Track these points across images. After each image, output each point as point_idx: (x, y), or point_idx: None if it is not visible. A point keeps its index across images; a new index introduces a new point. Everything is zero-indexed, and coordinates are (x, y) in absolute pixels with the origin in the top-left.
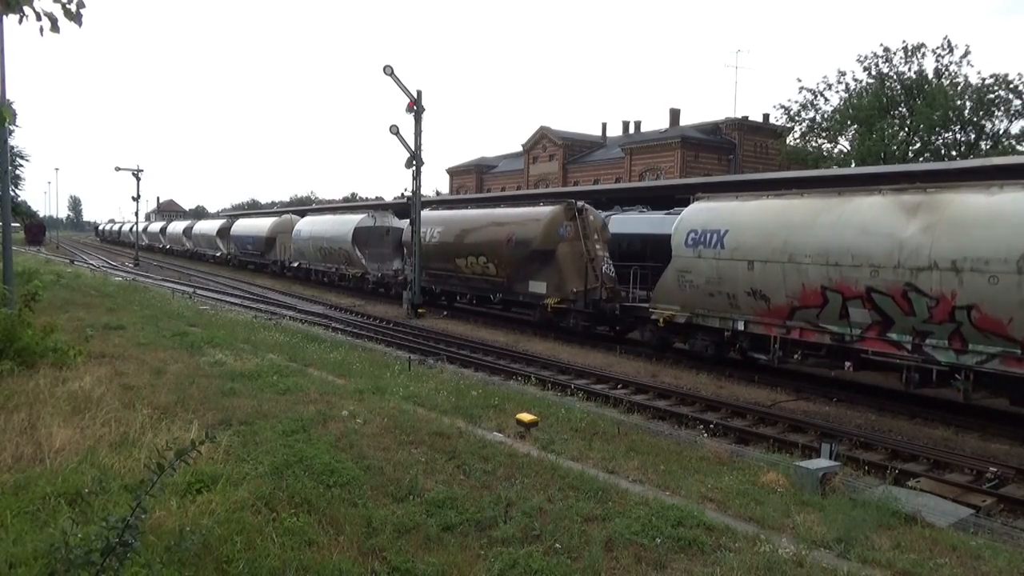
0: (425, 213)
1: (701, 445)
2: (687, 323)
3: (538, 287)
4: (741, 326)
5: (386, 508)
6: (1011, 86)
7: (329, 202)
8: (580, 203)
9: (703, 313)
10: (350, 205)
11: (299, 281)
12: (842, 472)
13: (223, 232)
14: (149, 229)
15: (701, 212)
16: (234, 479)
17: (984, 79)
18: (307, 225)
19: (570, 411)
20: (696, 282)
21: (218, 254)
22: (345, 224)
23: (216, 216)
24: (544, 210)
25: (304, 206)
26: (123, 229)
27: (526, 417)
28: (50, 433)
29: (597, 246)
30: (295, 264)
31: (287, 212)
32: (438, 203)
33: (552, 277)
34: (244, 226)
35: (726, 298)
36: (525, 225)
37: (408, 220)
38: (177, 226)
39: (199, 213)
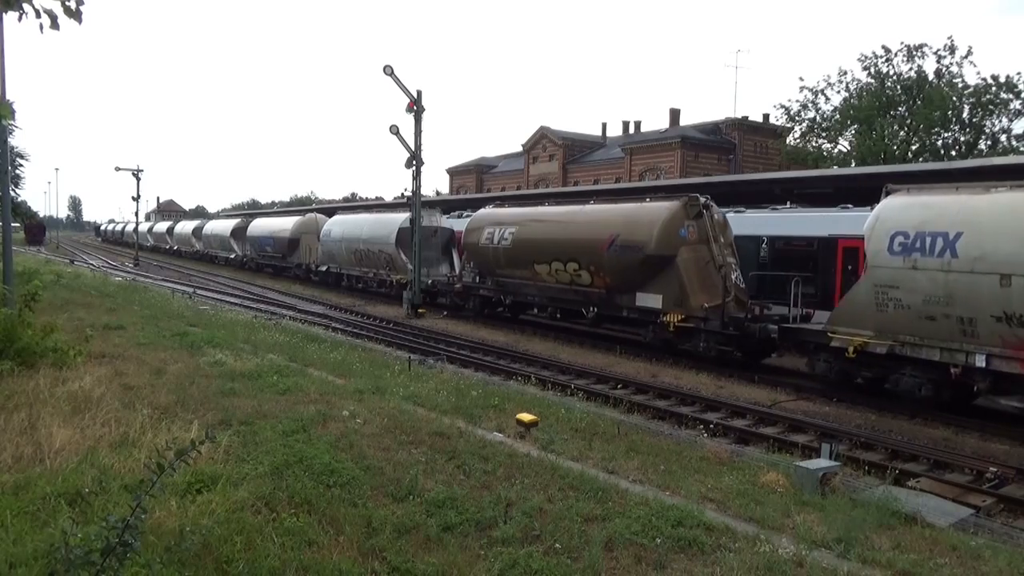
0: (488, 211)
1: (701, 445)
2: (888, 354)
3: (650, 300)
4: (981, 361)
5: (386, 508)
6: (1013, 88)
7: (355, 199)
8: (704, 198)
9: (915, 342)
10: (389, 203)
11: (328, 287)
12: (842, 472)
13: (238, 232)
14: (155, 229)
15: (912, 209)
16: (234, 479)
17: (984, 79)
18: (338, 225)
19: (570, 411)
20: (907, 301)
21: (232, 256)
22: (387, 224)
23: (228, 215)
24: (659, 207)
25: (329, 204)
26: (126, 229)
27: (526, 417)
28: (50, 433)
29: (726, 251)
30: (323, 268)
31: (311, 210)
32: (508, 199)
33: (670, 288)
34: (262, 226)
35: (957, 323)
36: (635, 225)
37: (463, 217)
38: (186, 226)
39: (199, 213)
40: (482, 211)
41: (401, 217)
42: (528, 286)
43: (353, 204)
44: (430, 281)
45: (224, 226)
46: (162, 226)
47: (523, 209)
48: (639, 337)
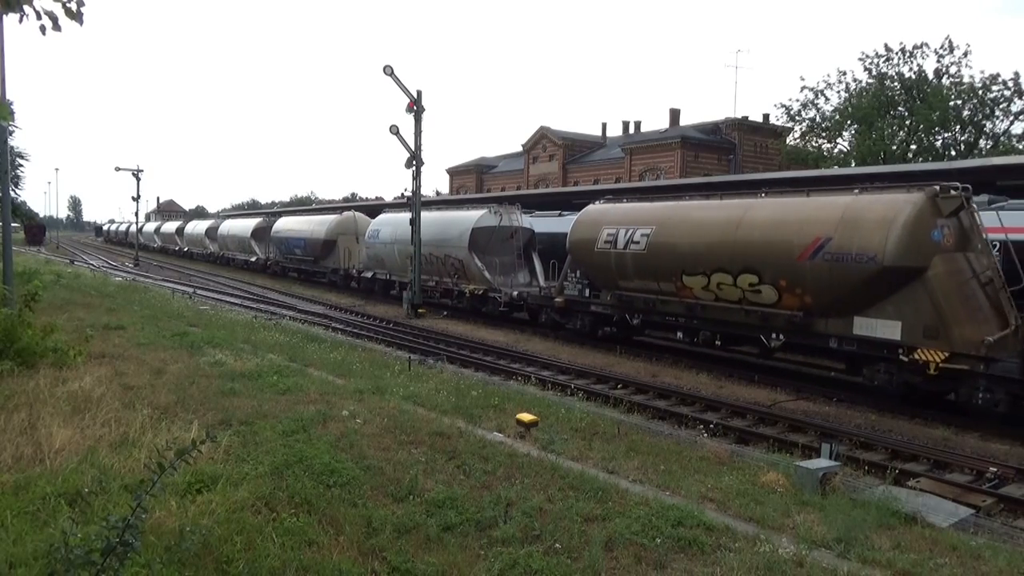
0: (605, 207)
1: (701, 445)
2: None
3: (881, 329)
4: None
5: (386, 508)
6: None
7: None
8: (961, 188)
9: None
10: (458, 198)
11: (373, 296)
12: (842, 472)
13: (260, 233)
14: (163, 229)
15: None
16: (234, 479)
17: (984, 79)
18: (387, 225)
19: (570, 411)
20: None
21: (253, 259)
22: (456, 223)
23: (246, 214)
24: (894, 200)
25: (371, 202)
26: (130, 230)
27: (526, 417)
28: (50, 433)
29: (983, 258)
30: (368, 274)
31: (348, 208)
32: (625, 192)
33: (915, 313)
34: (290, 226)
35: None
36: (856, 225)
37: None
38: (198, 226)
39: (199, 213)
40: (595, 207)
41: (474, 216)
42: (670, 303)
43: (399, 202)
44: (515, 293)
45: (243, 226)
46: (171, 226)
47: (662, 204)
48: (857, 379)
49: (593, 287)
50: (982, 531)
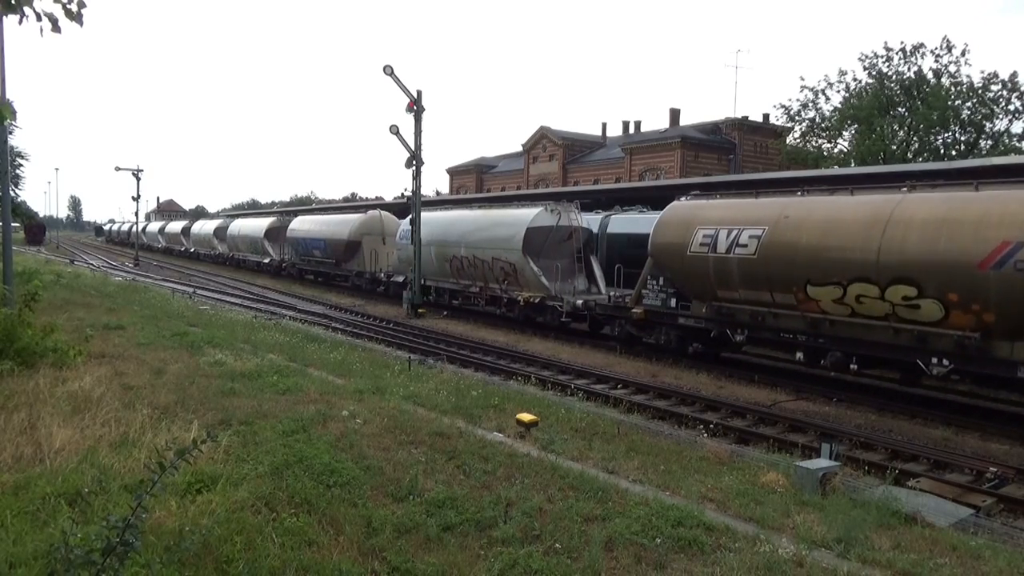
0: (697, 203)
1: (701, 445)
2: None
3: None
4: None
5: (386, 508)
6: (1013, 87)
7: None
8: None
9: None
10: (506, 195)
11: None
12: (842, 472)
13: (273, 233)
14: (167, 229)
15: None
16: (234, 479)
17: (984, 79)
18: (424, 225)
19: (570, 411)
20: None
21: (266, 261)
22: (508, 223)
23: (260, 212)
24: None
25: (400, 200)
26: (133, 229)
27: (526, 417)
28: (50, 433)
29: None
30: (398, 278)
31: (373, 206)
32: (717, 187)
33: None
34: (308, 225)
35: None
36: None
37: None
38: (205, 226)
39: (199, 213)
40: (684, 204)
41: (528, 214)
42: (787, 318)
43: (441, 199)
44: (579, 302)
45: (256, 226)
46: (176, 226)
47: (775, 200)
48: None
49: (681, 297)
50: (982, 531)
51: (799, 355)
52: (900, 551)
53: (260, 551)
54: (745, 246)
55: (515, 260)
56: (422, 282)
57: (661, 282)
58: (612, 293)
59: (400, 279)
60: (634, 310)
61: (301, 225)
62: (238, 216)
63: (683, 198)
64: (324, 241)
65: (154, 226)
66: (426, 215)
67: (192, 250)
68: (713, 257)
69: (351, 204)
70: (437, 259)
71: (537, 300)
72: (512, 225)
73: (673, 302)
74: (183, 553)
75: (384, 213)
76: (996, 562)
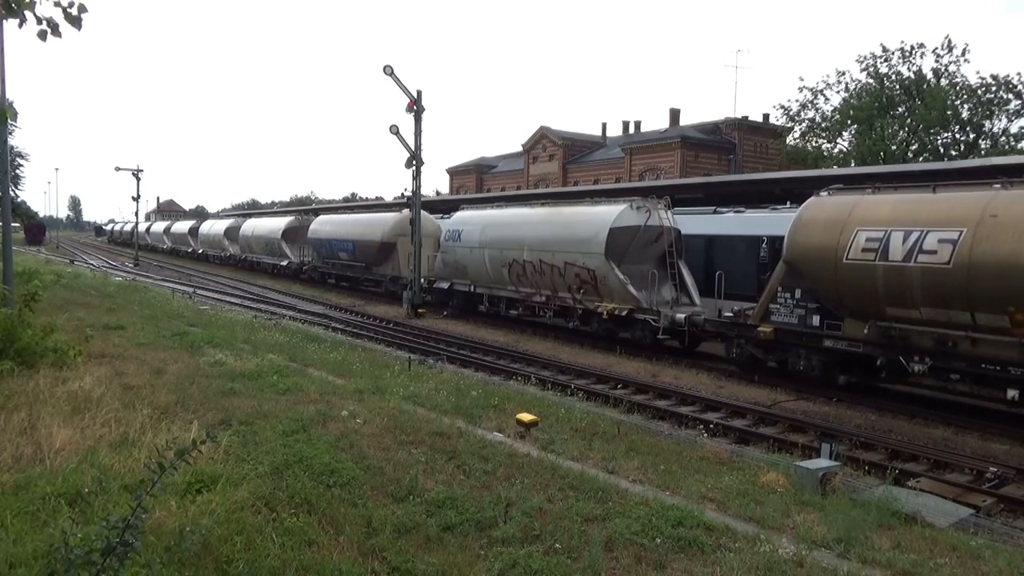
0: (846, 201)
1: (701, 445)
2: None
3: None
4: None
5: (386, 508)
6: (1012, 87)
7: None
8: None
9: None
10: (570, 191)
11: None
12: (842, 472)
13: (292, 234)
14: (173, 229)
15: None
16: (234, 479)
17: (984, 79)
18: (475, 225)
19: (570, 411)
20: None
21: (283, 263)
22: (585, 222)
23: (275, 212)
24: None
25: (443, 197)
26: (137, 230)
27: (526, 417)
28: (50, 433)
29: None
30: (442, 284)
31: (405, 204)
32: (888, 178)
33: None
34: (334, 226)
35: None
36: None
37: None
38: (215, 226)
39: (199, 213)
40: (833, 199)
41: (612, 212)
42: (995, 344)
43: (492, 196)
44: (679, 316)
45: (272, 226)
46: (183, 225)
47: (965, 194)
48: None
49: (827, 313)
50: (982, 531)
51: (1012, 393)
52: (900, 551)
53: (260, 551)
54: (933, 252)
55: (596, 266)
56: (471, 289)
57: (798, 295)
58: (745, 311)
59: (444, 285)
60: (761, 328)
61: (324, 225)
62: (251, 215)
63: (823, 192)
64: (353, 243)
65: (159, 226)
66: (475, 214)
67: (200, 251)
68: (883, 266)
69: (383, 203)
70: (492, 264)
71: (624, 313)
72: (591, 225)
73: (815, 320)
74: (183, 553)
75: (422, 212)
76: (996, 562)
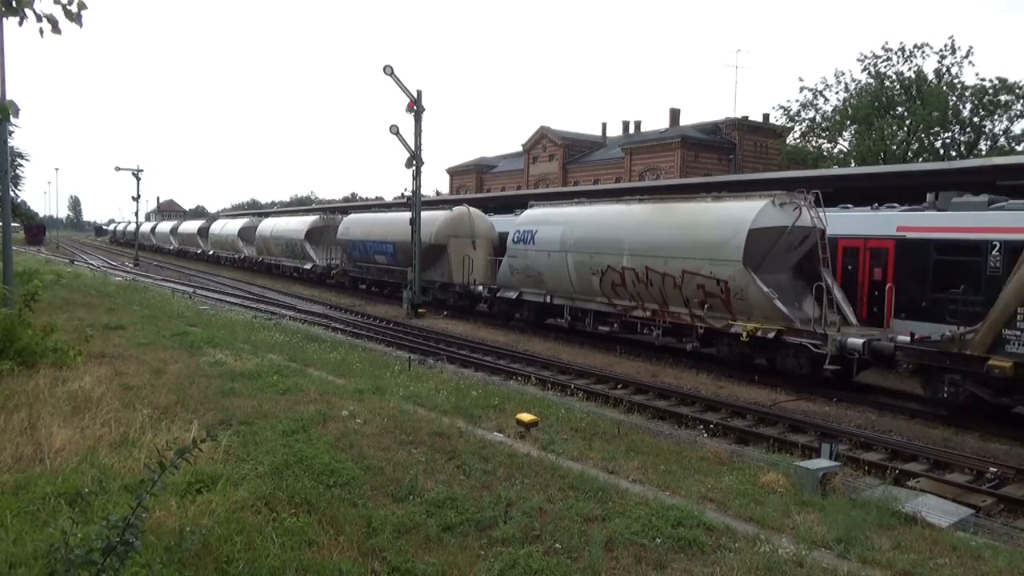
0: None
1: (701, 445)
2: None
3: None
4: None
5: (386, 508)
6: (1013, 90)
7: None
8: None
9: None
10: (699, 182)
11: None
12: (842, 472)
13: (317, 234)
14: (181, 230)
15: None
16: (234, 479)
17: (983, 80)
18: (548, 224)
19: (570, 411)
20: None
21: (307, 267)
22: (723, 222)
23: (298, 210)
24: None
25: (512, 193)
26: (142, 230)
27: (526, 417)
28: (50, 433)
29: None
30: (508, 294)
31: (459, 201)
32: None
33: None
34: (367, 226)
35: None
36: None
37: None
38: (227, 226)
39: (200, 213)
40: None
41: (752, 209)
42: None
43: (567, 191)
44: (855, 341)
45: (294, 226)
46: (191, 225)
47: None
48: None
49: None
50: (982, 531)
51: None
52: (900, 551)
53: (260, 551)
54: None
55: (729, 275)
56: (546, 300)
57: None
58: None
59: (511, 295)
60: (994, 363)
61: (357, 225)
62: (269, 214)
63: None
64: (392, 244)
65: (165, 225)
66: (552, 212)
67: (211, 253)
68: None
69: (429, 199)
70: (577, 271)
71: (771, 335)
72: (723, 225)
73: None
74: (183, 553)
75: (473, 210)
76: (996, 562)
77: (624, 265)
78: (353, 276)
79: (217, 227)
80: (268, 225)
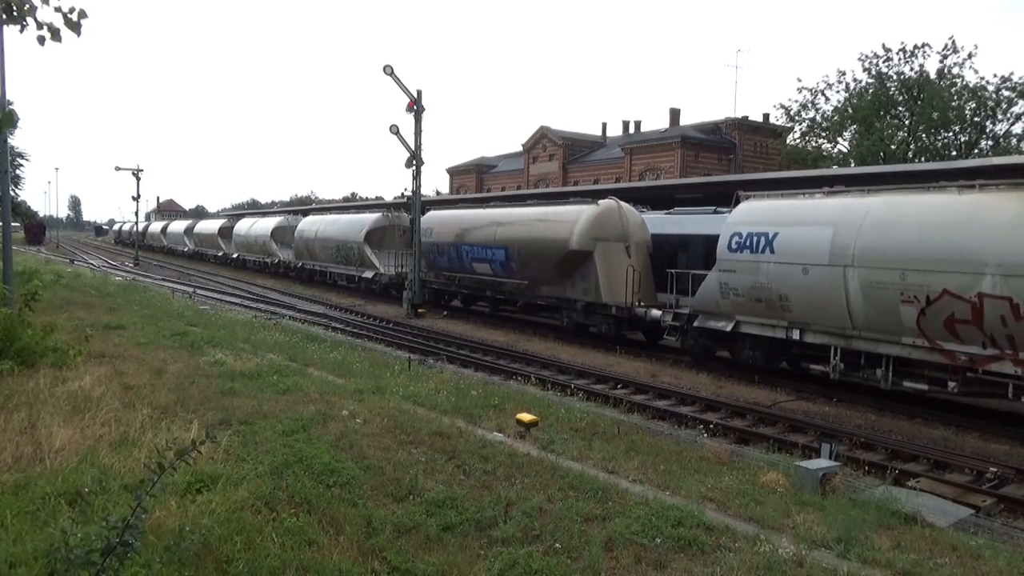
0: None
1: (701, 445)
2: None
3: None
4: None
5: (386, 508)
6: (1015, 89)
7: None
8: None
9: None
10: (921, 168)
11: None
12: (842, 472)
13: (376, 236)
14: (197, 230)
15: None
16: (234, 479)
17: (983, 80)
18: (805, 226)
19: (570, 411)
20: None
21: (368, 275)
22: (968, 217)
23: (350, 206)
24: None
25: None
26: (148, 230)
27: (526, 417)
28: (50, 433)
29: None
30: (722, 324)
31: (602, 191)
32: None
33: None
34: (461, 226)
35: None
36: None
37: None
38: (255, 226)
39: (199, 213)
40: None
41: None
42: None
43: (823, 174)
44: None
45: (348, 227)
46: (209, 225)
47: None
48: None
49: None
50: (982, 531)
51: None
52: (900, 551)
53: (260, 551)
54: None
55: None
56: (789, 335)
57: None
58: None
59: (723, 325)
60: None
61: (443, 225)
62: (308, 212)
63: None
64: (505, 249)
65: (177, 225)
66: (793, 203)
67: (235, 256)
68: None
69: (556, 191)
70: (865, 295)
71: None
72: (977, 218)
73: None
74: (183, 553)
75: (624, 205)
76: (996, 562)
77: (984, 291)
78: (436, 289)
79: (243, 227)
80: (311, 225)
